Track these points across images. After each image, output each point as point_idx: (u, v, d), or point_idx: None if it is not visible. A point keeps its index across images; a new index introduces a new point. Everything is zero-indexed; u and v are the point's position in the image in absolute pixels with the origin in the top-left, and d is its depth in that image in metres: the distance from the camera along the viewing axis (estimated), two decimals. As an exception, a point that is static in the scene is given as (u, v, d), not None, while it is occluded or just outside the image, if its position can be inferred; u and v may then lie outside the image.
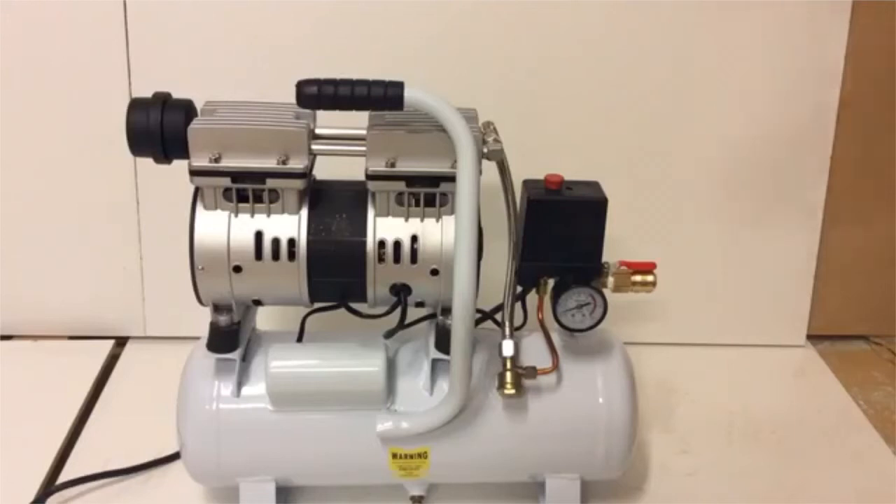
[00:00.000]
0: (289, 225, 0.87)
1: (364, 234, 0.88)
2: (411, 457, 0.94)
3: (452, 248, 0.85)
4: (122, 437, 1.10)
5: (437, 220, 0.88)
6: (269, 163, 0.85)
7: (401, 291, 0.89)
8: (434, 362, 0.93)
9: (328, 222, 0.88)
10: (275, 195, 0.87)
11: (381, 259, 0.88)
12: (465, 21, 1.17)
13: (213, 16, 1.16)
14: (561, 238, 0.91)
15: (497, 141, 0.88)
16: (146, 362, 1.26)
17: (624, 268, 0.94)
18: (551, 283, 0.94)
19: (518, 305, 0.94)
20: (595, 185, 0.93)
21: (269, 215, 0.87)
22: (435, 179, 0.86)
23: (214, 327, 0.91)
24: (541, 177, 0.92)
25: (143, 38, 1.17)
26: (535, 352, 0.96)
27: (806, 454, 1.14)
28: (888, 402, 1.26)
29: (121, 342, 1.31)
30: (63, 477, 1.03)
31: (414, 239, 0.88)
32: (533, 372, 0.92)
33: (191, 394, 0.93)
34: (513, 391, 0.90)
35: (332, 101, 0.82)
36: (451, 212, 0.87)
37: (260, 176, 0.85)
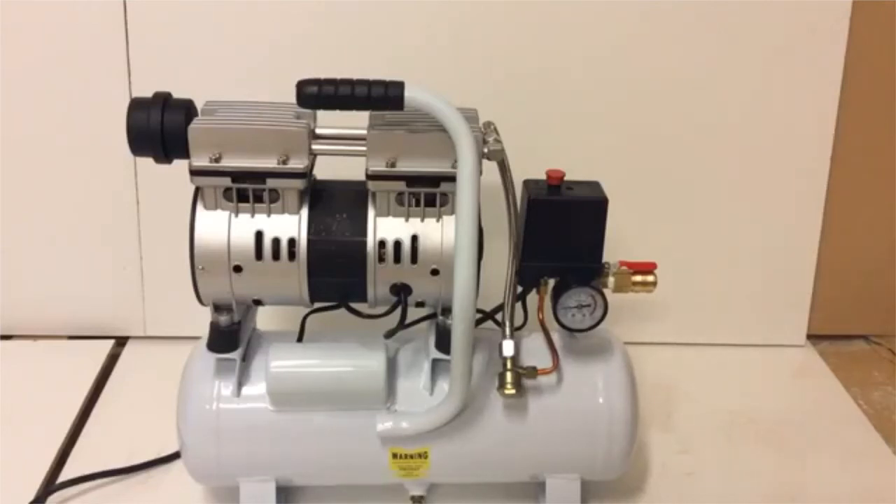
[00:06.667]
0: (289, 225, 0.87)
1: (364, 234, 0.88)
2: (411, 457, 0.94)
3: (453, 248, 0.85)
4: (122, 436, 1.10)
5: (438, 220, 0.88)
6: (270, 163, 0.85)
7: (401, 291, 0.89)
8: (434, 362, 0.93)
9: (328, 222, 0.88)
10: (275, 195, 0.87)
11: (381, 259, 0.88)
12: (465, 21, 1.17)
13: (213, 16, 1.16)
14: (561, 238, 0.91)
15: (497, 141, 0.88)
16: (146, 362, 1.26)
17: (624, 268, 0.94)
18: (552, 283, 0.94)
19: (518, 305, 0.94)
20: (595, 185, 0.93)
21: (269, 215, 0.87)
22: (435, 179, 0.86)
23: (214, 327, 0.91)
24: (541, 177, 0.92)
25: (143, 38, 1.16)
26: (535, 352, 0.96)
27: (806, 454, 1.13)
28: (888, 402, 1.26)
29: (121, 342, 1.31)
30: (63, 476, 1.03)
31: (414, 239, 0.88)
32: (533, 372, 0.92)
33: (191, 394, 0.93)
34: (513, 391, 0.90)
35: (333, 101, 0.82)
36: (452, 212, 0.87)
37: (260, 176, 0.85)
